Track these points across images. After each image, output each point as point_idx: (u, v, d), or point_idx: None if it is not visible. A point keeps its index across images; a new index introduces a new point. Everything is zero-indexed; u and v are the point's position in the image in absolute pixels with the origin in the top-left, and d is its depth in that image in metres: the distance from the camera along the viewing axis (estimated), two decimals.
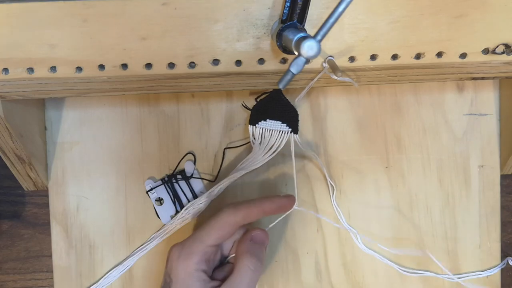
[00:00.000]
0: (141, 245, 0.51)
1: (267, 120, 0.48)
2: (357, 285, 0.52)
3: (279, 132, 0.48)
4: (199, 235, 0.43)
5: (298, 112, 0.48)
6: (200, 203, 0.49)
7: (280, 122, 0.47)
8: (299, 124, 0.48)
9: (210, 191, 0.49)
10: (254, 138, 0.48)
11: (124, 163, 0.51)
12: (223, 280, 0.43)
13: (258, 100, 0.49)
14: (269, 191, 0.51)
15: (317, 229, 0.51)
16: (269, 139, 0.48)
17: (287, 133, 0.47)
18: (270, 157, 0.48)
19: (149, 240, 0.51)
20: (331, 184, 0.51)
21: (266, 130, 0.48)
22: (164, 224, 0.51)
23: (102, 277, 0.51)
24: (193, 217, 0.50)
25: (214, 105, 0.51)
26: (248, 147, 0.51)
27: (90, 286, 0.51)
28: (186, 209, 0.49)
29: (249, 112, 0.49)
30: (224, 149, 0.51)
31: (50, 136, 0.51)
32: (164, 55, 0.39)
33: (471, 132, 0.52)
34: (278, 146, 0.48)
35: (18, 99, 0.41)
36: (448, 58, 0.41)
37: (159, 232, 0.51)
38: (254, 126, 0.48)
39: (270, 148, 0.48)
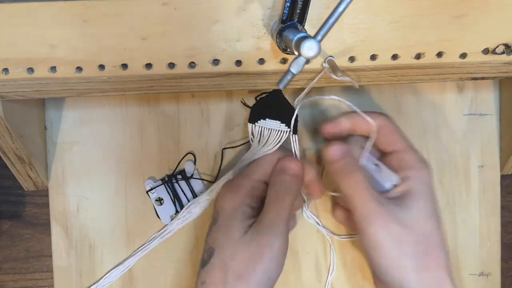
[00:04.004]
0: (142, 245, 0.51)
1: (267, 119, 0.48)
2: (357, 285, 0.52)
3: (278, 131, 0.48)
4: (246, 171, 0.45)
5: (298, 112, 0.48)
6: (201, 202, 0.49)
7: (279, 122, 0.47)
8: (298, 125, 0.48)
9: (210, 189, 0.49)
10: (253, 136, 0.49)
11: (124, 163, 0.51)
12: None
13: (258, 98, 0.49)
14: None
15: (317, 229, 0.51)
16: (268, 138, 0.48)
17: (286, 133, 0.47)
18: (267, 153, 0.48)
19: (149, 240, 0.51)
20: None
21: (265, 129, 0.48)
22: (165, 224, 0.51)
23: (102, 277, 0.51)
24: (194, 216, 0.50)
25: (214, 105, 0.51)
26: (246, 147, 0.51)
27: (90, 286, 0.51)
28: (187, 208, 0.49)
29: (249, 111, 0.49)
30: (223, 149, 0.51)
31: (50, 136, 0.51)
32: (164, 55, 0.39)
33: (471, 132, 0.52)
34: (276, 145, 0.48)
35: (18, 99, 0.41)
36: (448, 58, 0.41)
37: (159, 232, 0.51)
38: (253, 125, 0.48)
39: (268, 146, 0.48)
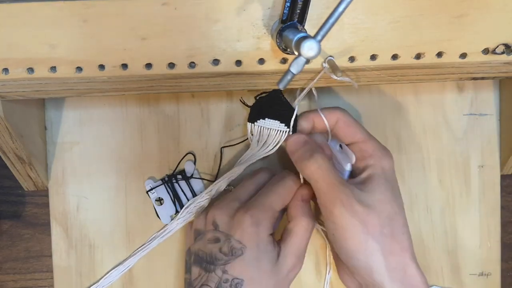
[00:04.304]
0: (142, 245, 0.51)
1: (266, 119, 0.48)
2: None
3: (277, 131, 0.48)
4: (269, 203, 0.44)
5: (298, 112, 0.48)
6: (201, 201, 0.49)
7: (279, 122, 0.47)
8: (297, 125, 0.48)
9: (209, 189, 0.49)
10: (252, 136, 0.49)
11: (124, 163, 0.51)
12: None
13: (257, 98, 0.49)
14: None
15: (316, 229, 0.51)
16: (267, 138, 0.48)
17: (285, 132, 0.47)
18: (267, 154, 0.48)
19: (149, 240, 0.51)
20: None
21: (264, 128, 0.48)
22: (165, 224, 0.51)
23: (102, 277, 0.51)
24: (194, 216, 0.50)
25: (214, 105, 0.51)
26: (246, 145, 0.51)
27: (90, 286, 0.51)
28: (187, 207, 0.49)
29: (249, 110, 0.49)
30: (221, 148, 0.51)
31: (50, 136, 0.51)
32: (164, 55, 0.39)
33: (471, 132, 0.52)
34: (276, 145, 0.48)
35: (18, 99, 0.41)
36: (448, 58, 0.41)
37: (159, 232, 0.51)
38: (252, 124, 0.48)
39: (268, 146, 0.48)
